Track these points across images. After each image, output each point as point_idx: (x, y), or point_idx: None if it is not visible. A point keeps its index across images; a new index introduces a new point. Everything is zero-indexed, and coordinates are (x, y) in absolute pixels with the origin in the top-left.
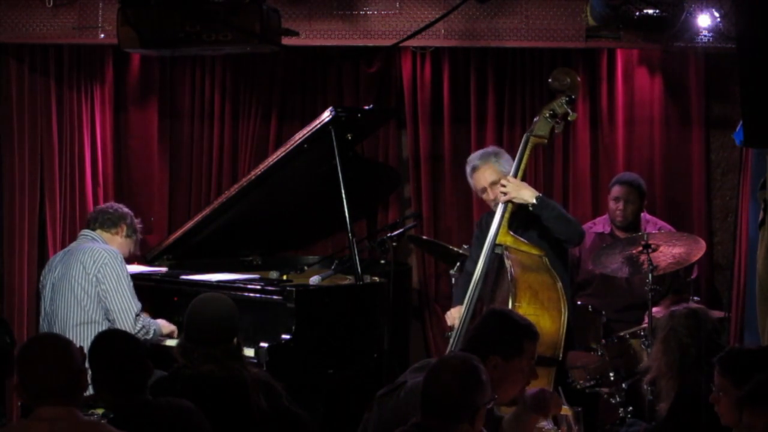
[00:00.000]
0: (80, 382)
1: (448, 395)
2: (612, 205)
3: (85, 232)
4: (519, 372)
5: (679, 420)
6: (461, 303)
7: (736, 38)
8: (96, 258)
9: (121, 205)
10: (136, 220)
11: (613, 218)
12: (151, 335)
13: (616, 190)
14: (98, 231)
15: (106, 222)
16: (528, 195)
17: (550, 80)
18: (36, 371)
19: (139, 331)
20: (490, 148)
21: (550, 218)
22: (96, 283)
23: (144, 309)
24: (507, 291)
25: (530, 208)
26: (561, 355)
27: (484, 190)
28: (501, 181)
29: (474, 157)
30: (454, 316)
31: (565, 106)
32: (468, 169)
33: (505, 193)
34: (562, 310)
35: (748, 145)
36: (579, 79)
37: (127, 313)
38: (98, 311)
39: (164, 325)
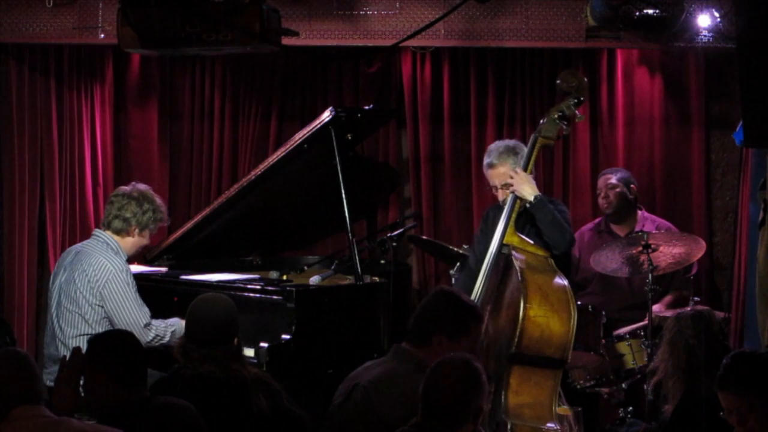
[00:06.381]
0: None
1: (451, 399)
2: (599, 199)
3: (98, 232)
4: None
5: (684, 422)
6: None
7: (736, 38)
8: (100, 275)
9: (134, 191)
10: (158, 202)
11: (603, 211)
12: (167, 338)
13: (598, 184)
14: (109, 233)
15: (115, 223)
16: (528, 192)
17: (558, 81)
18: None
19: (152, 340)
20: (512, 143)
21: (543, 221)
22: (101, 299)
23: None
24: (516, 292)
25: (527, 206)
26: (569, 357)
27: (496, 188)
28: (510, 172)
29: (494, 152)
30: None
31: (573, 108)
32: (485, 161)
33: (511, 184)
34: (572, 312)
35: (748, 145)
36: (586, 80)
37: (135, 329)
38: (103, 323)
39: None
